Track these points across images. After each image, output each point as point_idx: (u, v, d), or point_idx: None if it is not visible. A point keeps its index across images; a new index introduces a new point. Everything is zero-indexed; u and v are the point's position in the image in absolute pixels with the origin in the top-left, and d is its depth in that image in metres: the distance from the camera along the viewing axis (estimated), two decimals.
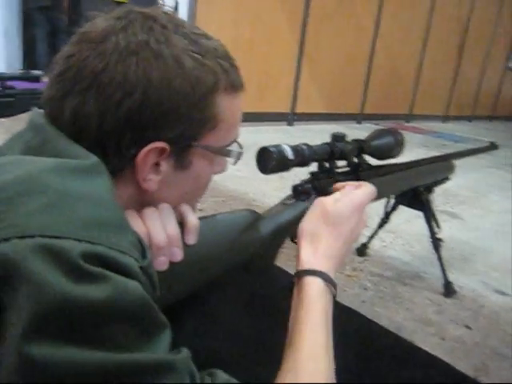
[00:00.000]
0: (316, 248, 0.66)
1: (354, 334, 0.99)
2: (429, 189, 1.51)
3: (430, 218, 1.53)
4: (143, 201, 0.56)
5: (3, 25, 6.42)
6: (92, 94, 0.49)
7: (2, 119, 1.69)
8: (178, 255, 0.55)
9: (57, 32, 6.66)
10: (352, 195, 0.71)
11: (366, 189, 0.74)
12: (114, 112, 0.49)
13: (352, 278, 1.57)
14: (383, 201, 1.61)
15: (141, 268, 0.43)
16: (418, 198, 1.48)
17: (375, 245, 1.89)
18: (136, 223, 0.51)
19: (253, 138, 3.77)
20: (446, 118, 7.52)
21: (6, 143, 0.54)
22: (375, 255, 1.80)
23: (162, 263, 0.53)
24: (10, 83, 1.54)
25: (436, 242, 1.54)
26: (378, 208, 1.62)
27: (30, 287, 0.37)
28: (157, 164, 0.53)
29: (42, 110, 0.54)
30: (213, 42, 0.55)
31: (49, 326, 0.37)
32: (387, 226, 2.09)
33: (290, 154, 0.73)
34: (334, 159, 0.83)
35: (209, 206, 2.12)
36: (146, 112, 0.49)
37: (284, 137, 4.29)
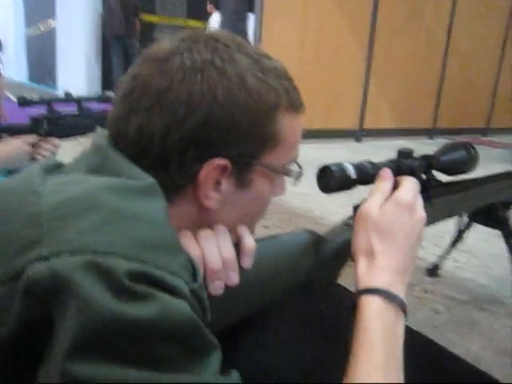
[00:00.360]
0: (372, 263, 0.60)
1: (422, 361, 0.91)
2: (507, 205, 1.40)
3: (509, 236, 1.41)
4: (202, 220, 0.56)
5: (85, 53, 6.95)
6: (157, 111, 0.50)
7: (80, 139, 1.79)
8: (234, 279, 0.53)
9: (130, 57, 7.10)
10: (396, 197, 0.64)
11: (407, 185, 0.66)
12: (178, 129, 0.50)
13: (422, 301, 1.48)
14: (455, 218, 1.51)
15: (191, 291, 0.43)
16: (494, 216, 1.37)
17: (448, 265, 1.78)
18: (191, 245, 0.51)
19: (320, 155, 3.74)
20: None
21: (72, 162, 0.56)
22: (448, 276, 1.69)
23: (217, 287, 0.52)
24: (86, 105, 1.62)
25: None
26: (450, 226, 1.53)
27: (77, 303, 0.37)
28: (218, 182, 0.53)
29: (105, 131, 0.56)
30: (274, 62, 0.56)
31: (93, 344, 0.37)
32: (461, 246, 1.96)
33: (352, 173, 0.70)
34: (399, 176, 0.79)
35: (274, 224, 2.11)
36: (209, 128, 0.50)
37: (352, 154, 4.20)
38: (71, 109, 1.56)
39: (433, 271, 1.68)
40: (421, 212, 0.64)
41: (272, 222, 2.12)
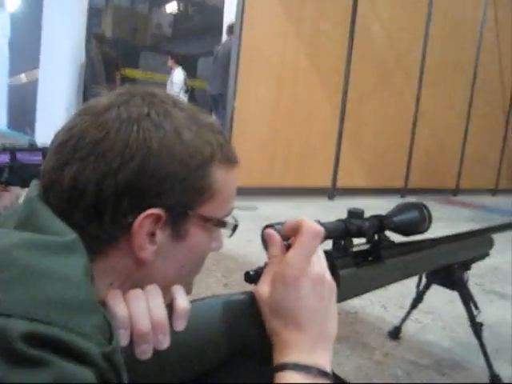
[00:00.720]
0: (279, 341, 0.56)
1: None
2: (466, 266, 1.39)
3: (467, 298, 1.40)
4: (139, 274, 0.54)
5: (66, 99, 7.00)
6: (91, 161, 0.50)
7: None
8: (164, 343, 0.50)
9: None
10: (280, 269, 0.56)
11: (295, 249, 0.56)
12: (113, 178, 0.49)
13: (381, 366, 1.43)
14: (416, 279, 1.50)
15: (103, 354, 0.40)
16: (451, 276, 1.36)
17: (410, 328, 1.74)
18: (118, 305, 0.49)
19: (292, 212, 3.73)
20: (495, 191, 7.23)
21: (5, 214, 0.55)
22: (410, 340, 1.65)
23: (144, 351, 0.49)
24: None
25: (476, 327, 1.39)
26: (412, 286, 1.51)
27: None
28: (152, 233, 0.52)
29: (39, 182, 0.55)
30: (208, 118, 0.58)
31: None
32: (424, 307, 1.94)
33: None
34: (349, 237, 0.77)
35: (235, 281, 2.05)
36: (144, 178, 0.50)
37: (324, 211, 4.23)
38: (37, 158, 1.54)
39: (394, 334, 1.64)
40: (318, 271, 0.57)
41: (233, 278, 2.08)
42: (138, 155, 0.50)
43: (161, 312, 0.50)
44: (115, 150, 0.50)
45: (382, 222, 0.82)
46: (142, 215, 0.51)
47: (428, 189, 5.86)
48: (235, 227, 0.61)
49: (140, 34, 10.80)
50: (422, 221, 0.90)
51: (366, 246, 0.83)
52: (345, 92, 4.86)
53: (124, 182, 0.50)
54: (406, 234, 0.88)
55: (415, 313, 1.88)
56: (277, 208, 3.91)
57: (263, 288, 0.58)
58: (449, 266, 1.35)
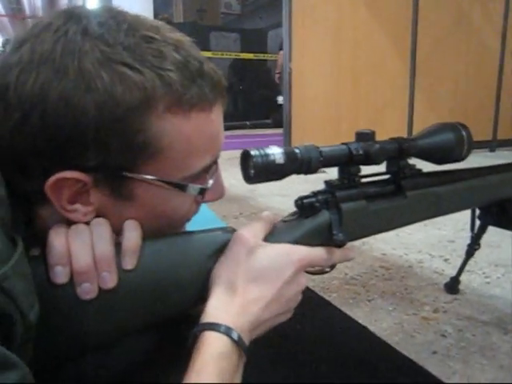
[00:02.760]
0: (231, 301, 0.50)
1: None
2: None
3: None
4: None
5: None
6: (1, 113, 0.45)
7: None
8: (108, 281, 0.46)
9: None
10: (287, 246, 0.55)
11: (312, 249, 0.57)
12: (18, 135, 0.44)
13: (428, 321, 1.22)
14: (467, 219, 1.27)
15: None
16: (506, 214, 1.11)
17: (474, 281, 1.49)
18: (55, 240, 0.45)
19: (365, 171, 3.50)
20: None
21: None
22: (471, 293, 1.41)
23: (85, 290, 0.45)
24: None
25: None
26: (485, 236, 1.27)
27: None
28: (86, 193, 0.47)
29: None
30: (166, 45, 0.46)
31: None
32: (496, 258, 1.69)
33: (278, 158, 0.57)
34: (356, 164, 0.65)
35: None
36: (46, 138, 0.43)
37: None
38: None
39: (451, 287, 1.41)
40: (304, 278, 0.56)
41: None
42: (35, 110, 0.43)
43: (105, 247, 0.46)
44: (15, 103, 0.43)
45: (401, 147, 0.69)
46: (53, 180, 0.45)
47: None
48: (202, 191, 0.52)
49: (209, 14, 10.86)
50: (458, 145, 0.77)
51: (384, 176, 0.72)
52: (414, 39, 4.44)
53: (29, 140, 0.43)
54: (436, 161, 0.76)
55: (483, 266, 1.63)
56: None
57: (252, 239, 0.53)
58: (503, 202, 1.11)
